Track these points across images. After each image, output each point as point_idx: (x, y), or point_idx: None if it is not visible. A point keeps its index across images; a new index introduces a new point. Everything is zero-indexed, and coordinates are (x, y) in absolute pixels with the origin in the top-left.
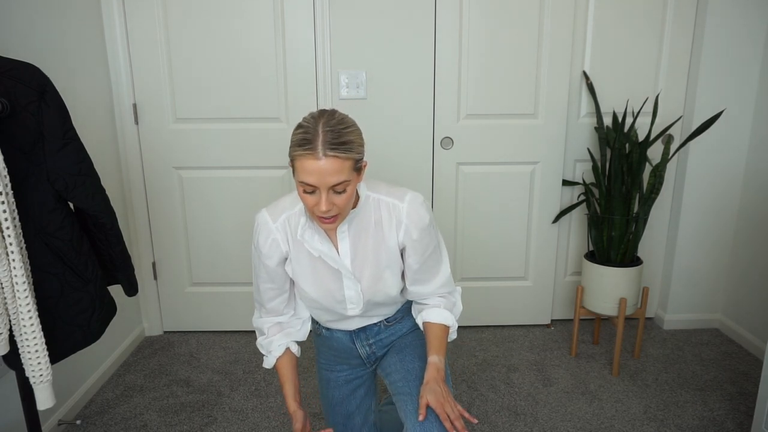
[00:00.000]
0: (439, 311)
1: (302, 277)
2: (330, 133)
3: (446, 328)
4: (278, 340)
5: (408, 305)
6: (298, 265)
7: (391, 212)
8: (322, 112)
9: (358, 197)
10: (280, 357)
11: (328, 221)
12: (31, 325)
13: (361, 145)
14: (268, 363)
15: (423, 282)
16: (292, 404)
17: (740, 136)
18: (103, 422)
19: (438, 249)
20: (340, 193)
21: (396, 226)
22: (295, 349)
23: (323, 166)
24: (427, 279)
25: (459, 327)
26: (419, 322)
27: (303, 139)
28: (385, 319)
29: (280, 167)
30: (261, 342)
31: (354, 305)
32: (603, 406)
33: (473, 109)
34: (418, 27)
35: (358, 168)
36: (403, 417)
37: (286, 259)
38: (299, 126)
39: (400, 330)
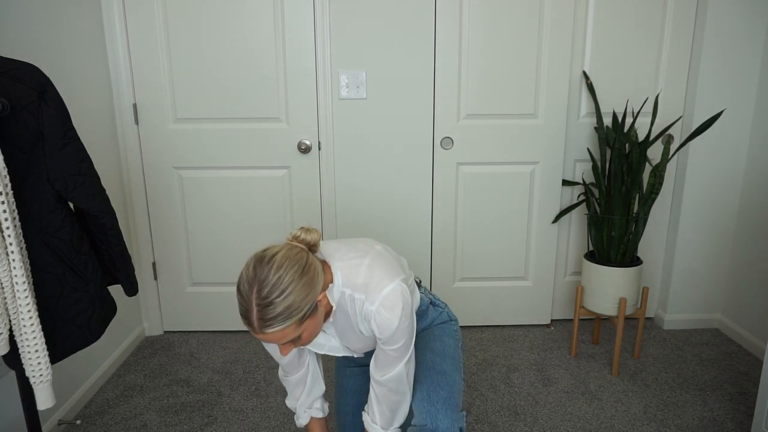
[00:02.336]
0: (373, 425)
1: (302, 350)
2: (262, 309)
3: None
4: (302, 407)
5: (423, 307)
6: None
7: (361, 309)
8: (256, 269)
9: (331, 307)
10: (307, 425)
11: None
12: (31, 325)
13: (306, 296)
14: (299, 424)
15: (377, 366)
16: None
17: (740, 136)
18: (103, 422)
19: (402, 349)
20: (296, 341)
21: (365, 321)
22: (321, 414)
23: (265, 339)
24: (381, 367)
25: (460, 327)
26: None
27: (240, 310)
28: None
29: (280, 167)
30: (289, 405)
31: (356, 355)
32: (603, 406)
33: (473, 109)
34: (418, 27)
35: (309, 315)
36: (413, 404)
37: None
38: (237, 289)
39: (417, 330)
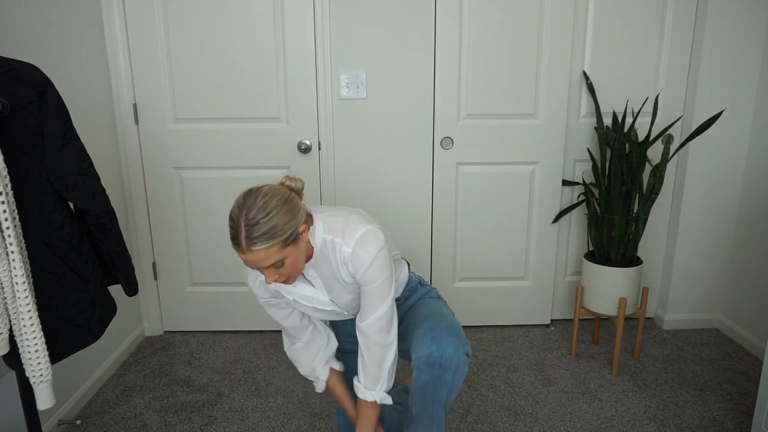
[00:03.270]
0: (363, 390)
1: (296, 304)
2: (249, 228)
3: (373, 404)
4: (319, 364)
5: (413, 284)
6: (290, 296)
7: (339, 253)
8: (246, 198)
9: (312, 248)
10: (328, 379)
11: (284, 283)
12: (31, 325)
13: (289, 221)
14: (320, 388)
15: (360, 312)
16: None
17: (740, 136)
18: (103, 422)
19: (381, 288)
20: (279, 267)
21: (344, 265)
22: (338, 366)
23: (251, 258)
24: (363, 311)
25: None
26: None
27: (231, 233)
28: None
29: (280, 167)
30: (304, 373)
31: (346, 313)
32: (603, 406)
33: (473, 109)
34: (418, 27)
35: (292, 241)
36: (414, 345)
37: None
38: (230, 216)
39: (408, 306)
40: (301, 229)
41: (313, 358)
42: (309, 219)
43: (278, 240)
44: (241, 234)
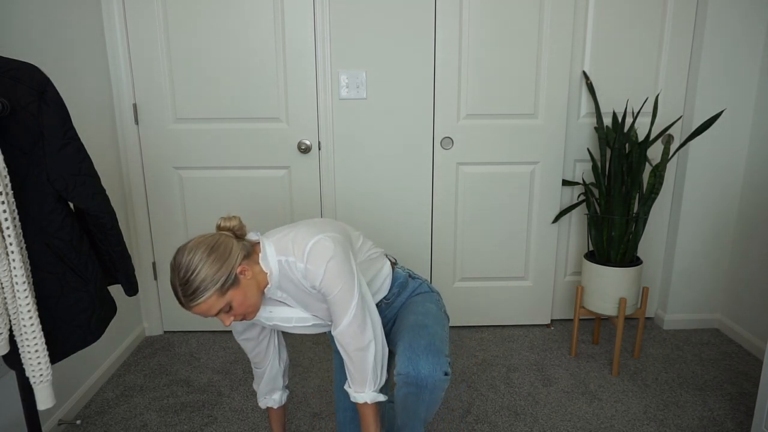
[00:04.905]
0: (353, 394)
1: (275, 327)
2: (182, 287)
3: (367, 404)
4: (265, 394)
5: (402, 280)
6: (269, 322)
7: (297, 270)
8: (176, 258)
9: (264, 275)
10: (267, 410)
11: (243, 320)
12: (31, 325)
13: (218, 270)
14: (261, 405)
15: (334, 321)
16: None
17: (740, 136)
18: (103, 422)
19: (341, 295)
20: (229, 311)
21: (304, 280)
22: (275, 405)
23: (197, 311)
24: (336, 320)
25: (460, 327)
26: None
27: (175, 295)
28: (384, 298)
29: (280, 167)
30: (254, 386)
31: (330, 323)
32: (603, 406)
33: (473, 109)
34: (418, 27)
35: (230, 286)
36: (396, 358)
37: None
38: (170, 279)
39: (400, 303)
40: (239, 269)
41: (260, 384)
42: (256, 248)
43: (213, 290)
44: (179, 293)
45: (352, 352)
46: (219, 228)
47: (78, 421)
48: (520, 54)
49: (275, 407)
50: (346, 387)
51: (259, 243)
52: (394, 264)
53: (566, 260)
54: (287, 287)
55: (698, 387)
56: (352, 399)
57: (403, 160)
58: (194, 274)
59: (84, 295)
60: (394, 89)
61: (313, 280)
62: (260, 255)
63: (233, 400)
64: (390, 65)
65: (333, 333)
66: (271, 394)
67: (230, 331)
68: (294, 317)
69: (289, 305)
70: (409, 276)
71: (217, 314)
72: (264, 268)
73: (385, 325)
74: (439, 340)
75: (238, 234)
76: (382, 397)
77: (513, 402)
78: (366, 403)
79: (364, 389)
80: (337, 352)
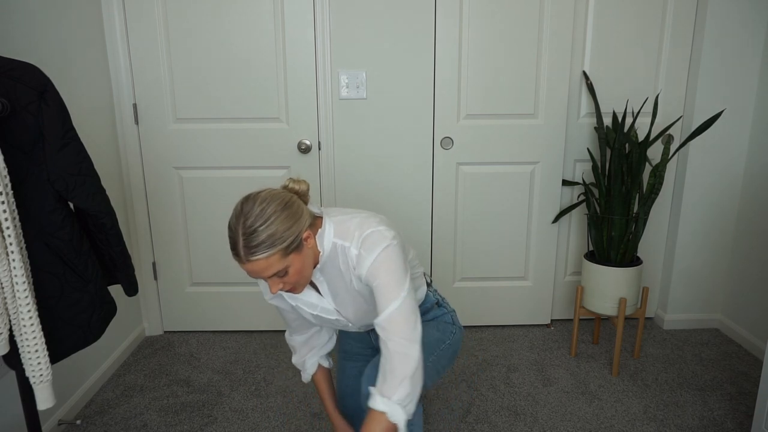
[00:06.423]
0: (377, 397)
1: (299, 309)
2: (247, 237)
3: (382, 418)
4: (310, 359)
5: (428, 305)
6: (293, 301)
7: (348, 257)
8: (243, 205)
9: (318, 252)
10: (314, 374)
11: (289, 292)
12: (31, 325)
13: (289, 227)
14: (305, 378)
15: (378, 309)
16: (334, 415)
17: (740, 136)
18: (103, 422)
19: (391, 281)
20: (283, 276)
21: (352, 269)
22: (327, 364)
23: (252, 268)
24: (380, 307)
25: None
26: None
27: (230, 243)
28: None
29: (280, 167)
30: (295, 361)
31: (351, 325)
32: (603, 406)
33: (473, 109)
34: (418, 27)
35: (294, 249)
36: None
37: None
38: (228, 226)
39: None
40: (305, 235)
41: (308, 352)
42: (318, 222)
43: (279, 248)
44: (239, 243)
45: (398, 341)
46: (286, 189)
47: (78, 421)
48: (520, 54)
49: (326, 365)
50: (371, 389)
51: (321, 218)
52: (428, 285)
53: (566, 260)
54: (330, 271)
55: (698, 387)
56: (371, 403)
57: (403, 160)
58: (264, 226)
59: (84, 295)
60: (394, 89)
61: (361, 267)
62: (320, 230)
63: (233, 400)
64: (390, 65)
65: (377, 321)
66: (320, 358)
67: (230, 331)
68: (320, 305)
69: (319, 292)
70: (437, 303)
71: (270, 277)
72: (318, 245)
73: None
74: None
75: (304, 200)
76: (402, 422)
77: (513, 402)
78: (383, 415)
79: (392, 394)
80: (342, 350)
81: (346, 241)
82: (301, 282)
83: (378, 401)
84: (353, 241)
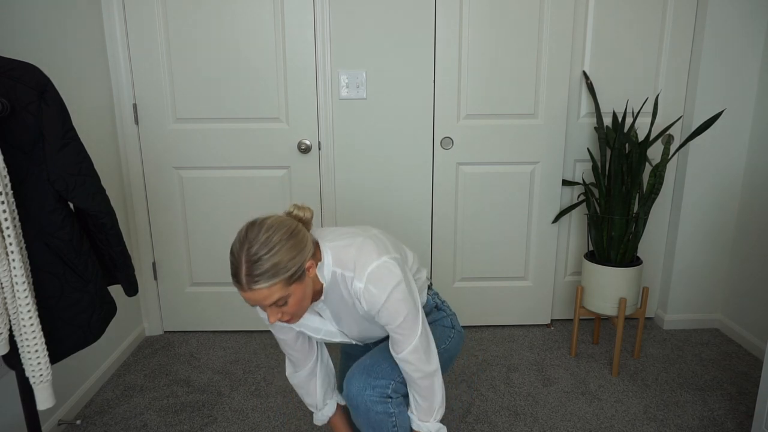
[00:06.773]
0: (417, 423)
1: (302, 331)
2: (251, 265)
3: None
4: (327, 400)
5: (428, 310)
6: (296, 326)
7: (351, 287)
8: (248, 231)
9: (320, 284)
10: (333, 415)
11: (287, 323)
12: (31, 325)
13: (294, 257)
14: (319, 421)
15: (394, 345)
16: None
17: (740, 136)
18: (103, 422)
19: (405, 326)
20: (282, 305)
21: (357, 300)
22: (343, 402)
23: (252, 297)
24: (397, 346)
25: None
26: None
27: (231, 269)
28: None
29: (280, 167)
30: (309, 403)
31: (355, 342)
32: (603, 406)
33: (473, 109)
34: (419, 27)
35: (297, 278)
36: None
37: None
38: (230, 251)
39: None
40: (308, 264)
41: (317, 389)
42: (316, 248)
43: (282, 278)
44: (241, 271)
45: (419, 379)
46: (290, 215)
47: (78, 421)
48: (520, 54)
49: (342, 403)
50: (409, 413)
51: (318, 245)
52: (429, 287)
53: (566, 260)
54: (331, 298)
55: (698, 387)
56: (415, 427)
57: (403, 160)
58: (269, 255)
59: (84, 295)
60: (394, 89)
61: (372, 305)
62: (320, 263)
63: (233, 400)
64: (390, 65)
65: (395, 357)
66: (333, 393)
67: (230, 331)
68: (323, 329)
69: (321, 316)
70: (436, 306)
71: (269, 306)
72: (319, 276)
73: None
74: (386, 365)
75: (307, 227)
76: (444, 430)
77: (513, 402)
78: None
79: (429, 418)
80: (343, 350)
81: (347, 271)
82: (299, 312)
83: (423, 426)
84: (355, 272)
